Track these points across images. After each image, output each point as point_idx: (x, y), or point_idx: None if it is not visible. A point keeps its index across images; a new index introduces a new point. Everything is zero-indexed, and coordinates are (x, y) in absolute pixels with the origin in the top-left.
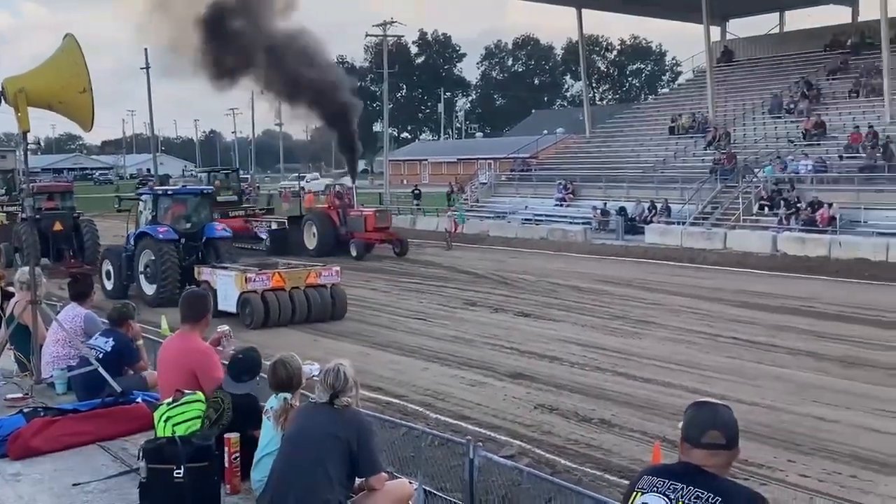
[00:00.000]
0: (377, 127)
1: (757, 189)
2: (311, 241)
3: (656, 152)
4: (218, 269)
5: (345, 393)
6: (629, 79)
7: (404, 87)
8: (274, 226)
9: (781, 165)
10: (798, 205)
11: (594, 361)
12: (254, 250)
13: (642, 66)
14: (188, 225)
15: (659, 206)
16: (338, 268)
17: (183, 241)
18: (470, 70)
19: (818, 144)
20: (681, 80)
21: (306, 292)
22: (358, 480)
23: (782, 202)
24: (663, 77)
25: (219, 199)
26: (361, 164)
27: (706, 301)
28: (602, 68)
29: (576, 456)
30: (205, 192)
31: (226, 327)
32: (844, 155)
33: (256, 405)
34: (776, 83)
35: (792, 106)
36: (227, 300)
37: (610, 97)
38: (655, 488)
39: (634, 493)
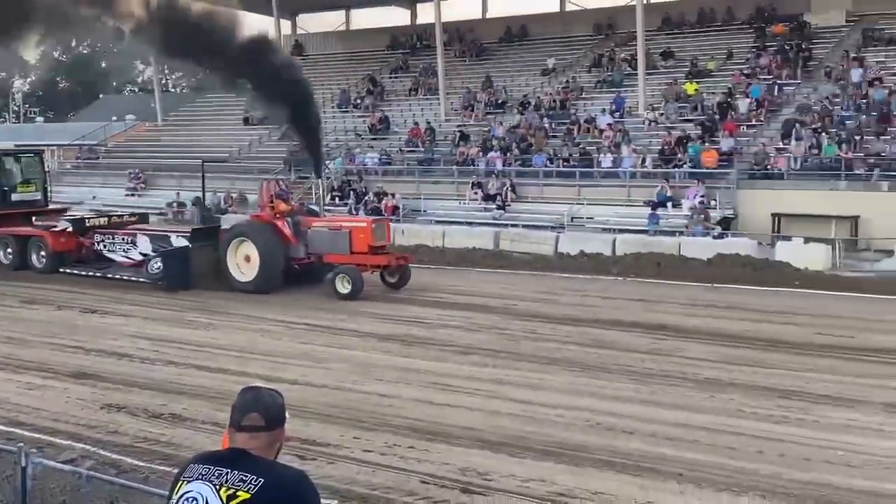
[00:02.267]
0: None
1: (328, 180)
2: (242, 269)
3: (232, 142)
4: None
5: None
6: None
7: None
8: (175, 240)
9: (350, 158)
10: (366, 195)
11: (165, 356)
12: (128, 281)
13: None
14: None
15: (235, 196)
16: None
17: None
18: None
19: (383, 138)
20: None
21: None
22: None
23: (352, 193)
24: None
25: (14, 197)
26: None
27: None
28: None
29: (144, 454)
30: None
31: None
32: (405, 149)
33: None
34: (345, 79)
35: (359, 101)
36: None
37: (184, 84)
38: (201, 476)
39: (180, 483)
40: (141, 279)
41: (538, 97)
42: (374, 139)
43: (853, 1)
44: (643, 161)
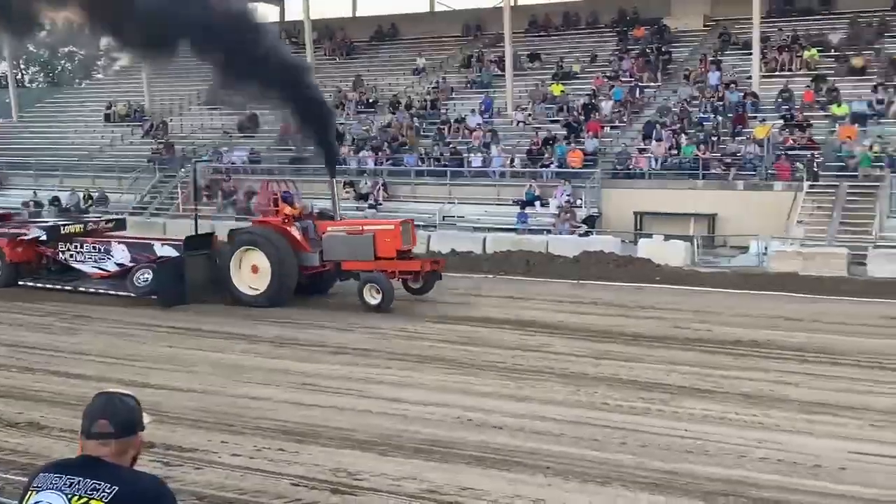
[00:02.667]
0: None
1: (186, 180)
2: (249, 281)
3: (92, 139)
4: None
5: None
6: (62, 61)
7: None
8: (159, 248)
9: (218, 156)
10: (234, 194)
11: (21, 362)
12: (104, 294)
13: (75, 48)
14: None
15: (96, 195)
16: None
17: None
18: None
19: (252, 136)
20: (116, 66)
21: None
22: None
23: (220, 191)
24: (99, 62)
25: None
26: None
27: None
28: (32, 49)
29: None
30: None
31: None
32: (274, 147)
33: None
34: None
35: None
36: None
37: (41, 80)
38: (52, 485)
39: (29, 493)
40: (122, 293)
41: (409, 97)
42: (243, 137)
43: (711, 6)
44: (512, 161)
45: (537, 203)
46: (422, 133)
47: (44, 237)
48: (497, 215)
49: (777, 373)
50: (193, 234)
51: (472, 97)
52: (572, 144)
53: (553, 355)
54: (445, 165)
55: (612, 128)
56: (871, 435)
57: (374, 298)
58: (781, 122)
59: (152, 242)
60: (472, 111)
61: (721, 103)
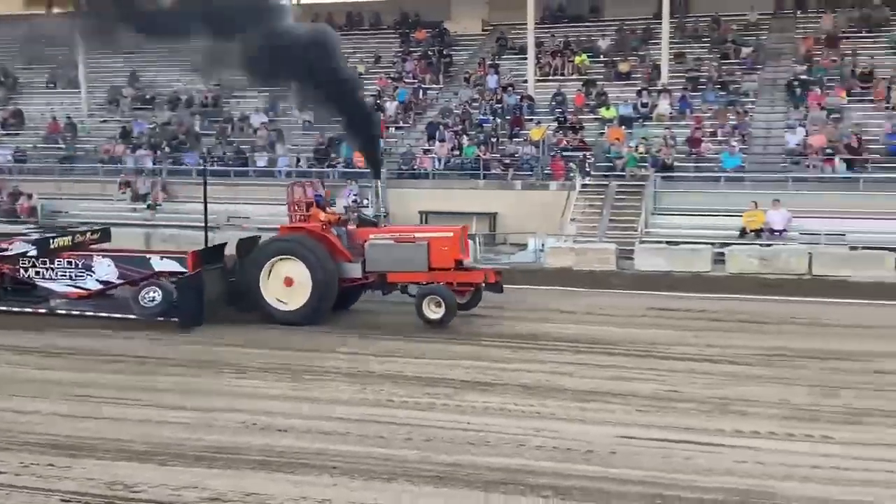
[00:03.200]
0: None
1: None
2: (282, 295)
3: None
4: None
5: None
6: None
7: None
8: (157, 263)
9: None
10: None
11: None
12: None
13: None
14: None
15: None
16: None
17: None
18: None
19: (17, 134)
20: None
21: None
22: None
23: None
24: None
25: None
26: None
27: None
28: None
29: None
30: None
31: None
32: (41, 145)
33: None
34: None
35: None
36: None
37: None
38: None
39: None
40: (120, 315)
41: (190, 94)
42: (7, 135)
43: (488, 11)
44: (298, 161)
45: None
46: (203, 132)
47: (33, 252)
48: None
49: (553, 363)
50: (206, 246)
51: (257, 96)
52: None
53: (340, 355)
54: (229, 165)
55: (396, 128)
56: (637, 419)
57: (434, 313)
58: (556, 124)
59: (148, 256)
60: (256, 110)
61: (500, 105)
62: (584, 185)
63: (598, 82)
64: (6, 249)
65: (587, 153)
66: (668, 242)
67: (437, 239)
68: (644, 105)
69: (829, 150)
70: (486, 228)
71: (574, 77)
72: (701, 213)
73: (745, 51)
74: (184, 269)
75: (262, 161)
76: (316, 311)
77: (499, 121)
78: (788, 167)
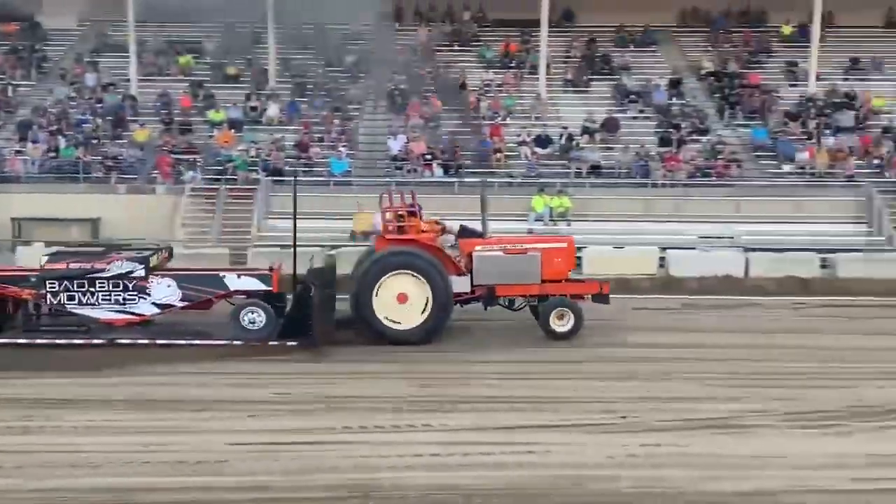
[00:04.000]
0: None
1: None
2: (394, 314)
3: None
4: None
5: None
6: None
7: None
8: (234, 281)
9: None
10: None
11: None
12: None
13: None
14: None
15: None
16: None
17: None
18: None
19: None
20: None
21: None
22: None
23: None
24: None
25: None
26: None
27: None
28: None
29: None
30: None
31: None
32: None
33: None
34: None
35: None
36: None
37: None
38: None
39: None
40: (206, 342)
41: None
42: None
43: (86, 5)
44: None
45: None
46: None
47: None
48: None
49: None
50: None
51: None
52: None
53: None
54: None
55: None
56: (250, 425)
57: (563, 326)
58: (161, 125)
59: (222, 274)
60: None
61: (100, 105)
62: (193, 189)
63: (205, 84)
64: (104, 270)
65: (196, 156)
66: (280, 246)
67: (549, 250)
68: (253, 109)
69: (427, 156)
70: (88, 235)
71: (180, 78)
72: (312, 217)
73: (349, 59)
74: (267, 288)
75: None
76: (435, 329)
77: (100, 121)
78: (392, 171)
